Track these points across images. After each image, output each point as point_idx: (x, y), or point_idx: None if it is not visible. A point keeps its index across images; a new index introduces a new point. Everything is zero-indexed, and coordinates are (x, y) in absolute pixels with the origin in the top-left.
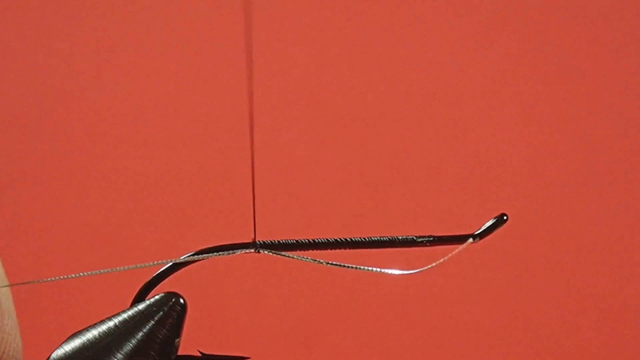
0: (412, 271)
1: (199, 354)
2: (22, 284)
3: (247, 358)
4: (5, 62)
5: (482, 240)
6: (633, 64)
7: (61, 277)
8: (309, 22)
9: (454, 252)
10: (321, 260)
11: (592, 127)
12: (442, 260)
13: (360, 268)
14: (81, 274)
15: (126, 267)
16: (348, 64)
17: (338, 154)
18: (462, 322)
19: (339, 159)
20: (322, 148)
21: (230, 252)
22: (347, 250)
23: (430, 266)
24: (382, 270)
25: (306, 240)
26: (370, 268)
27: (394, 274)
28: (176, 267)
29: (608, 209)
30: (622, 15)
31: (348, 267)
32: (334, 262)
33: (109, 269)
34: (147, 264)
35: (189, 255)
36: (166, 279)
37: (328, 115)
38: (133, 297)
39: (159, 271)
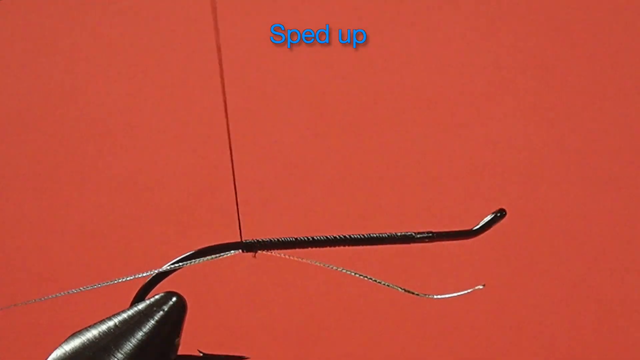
0: (438, 296)
1: (199, 354)
2: None
3: (247, 358)
4: (6, 62)
5: (481, 236)
6: (633, 63)
7: (41, 298)
8: (308, 21)
9: (476, 288)
10: (333, 266)
11: (591, 126)
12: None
13: (373, 280)
14: (61, 293)
15: (109, 281)
16: (346, 62)
17: (337, 152)
18: (462, 321)
19: (338, 158)
20: (321, 146)
21: (218, 255)
22: (348, 247)
23: (456, 295)
24: (404, 289)
25: (300, 238)
26: (382, 282)
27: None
28: (162, 276)
29: (608, 207)
30: (622, 15)
31: (338, 270)
32: (329, 265)
33: (90, 286)
34: (129, 277)
35: (174, 262)
36: (166, 278)
37: (326, 113)
38: (133, 296)
39: (157, 272)
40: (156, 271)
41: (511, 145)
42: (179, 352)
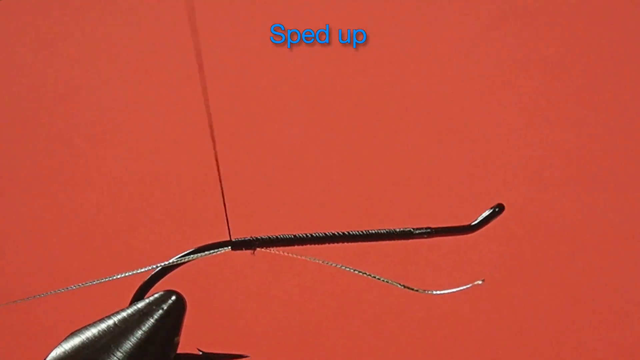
0: (442, 291)
1: (199, 352)
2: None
3: (247, 356)
4: (6, 62)
5: (479, 231)
6: (633, 64)
7: (40, 295)
8: (308, 21)
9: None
10: (332, 262)
11: (591, 124)
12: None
13: (372, 276)
14: (66, 288)
15: (107, 278)
16: (346, 62)
17: (337, 151)
18: (462, 320)
19: (338, 157)
20: (321, 146)
21: (209, 253)
22: (347, 243)
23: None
24: (404, 286)
25: (298, 235)
26: (381, 278)
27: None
28: (166, 270)
29: (607, 204)
30: (621, 15)
31: (339, 267)
32: (324, 261)
33: (94, 281)
34: (128, 272)
35: (178, 258)
36: (165, 277)
37: (326, 113)
38: (132, 295)
39: (159, 267)
40: (157, 265)
41: (509, 141)
42: (179, 351)
